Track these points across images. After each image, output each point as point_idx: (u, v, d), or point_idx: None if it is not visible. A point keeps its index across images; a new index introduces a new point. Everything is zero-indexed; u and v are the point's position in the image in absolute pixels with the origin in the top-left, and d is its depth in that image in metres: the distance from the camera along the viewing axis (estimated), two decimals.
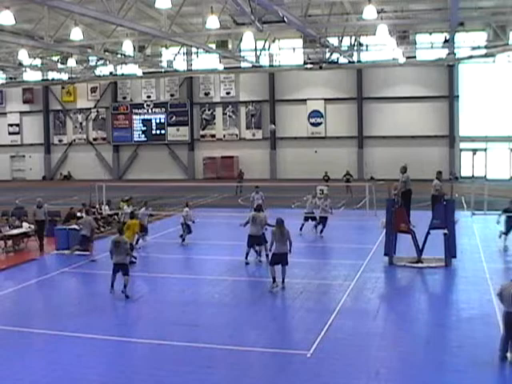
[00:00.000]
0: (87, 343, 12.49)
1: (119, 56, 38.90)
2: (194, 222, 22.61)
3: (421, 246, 18.59)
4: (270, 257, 16.85)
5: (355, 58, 42.99)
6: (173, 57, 42.65)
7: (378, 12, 24.94)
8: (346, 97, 50.05)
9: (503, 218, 20.70)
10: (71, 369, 11.16)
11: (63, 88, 55.72)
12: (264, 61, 44.43)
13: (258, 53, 40.94)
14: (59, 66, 41.85)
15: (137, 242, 21.21)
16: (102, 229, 25.61)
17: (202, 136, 54.33)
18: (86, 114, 57.19)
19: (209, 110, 53.95)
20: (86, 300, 16.08)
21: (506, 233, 20.72)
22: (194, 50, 43.88)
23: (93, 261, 19.96)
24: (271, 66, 46.99)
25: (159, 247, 22.42)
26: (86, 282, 18.32)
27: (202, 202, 35.04)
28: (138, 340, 12.63)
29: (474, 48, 40.21)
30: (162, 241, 23.54)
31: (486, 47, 39.08)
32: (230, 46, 37.85)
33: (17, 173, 59.45)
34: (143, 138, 55.53)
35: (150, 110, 55.08)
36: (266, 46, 41.30)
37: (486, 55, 39.79)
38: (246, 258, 18.98)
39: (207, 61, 45.09)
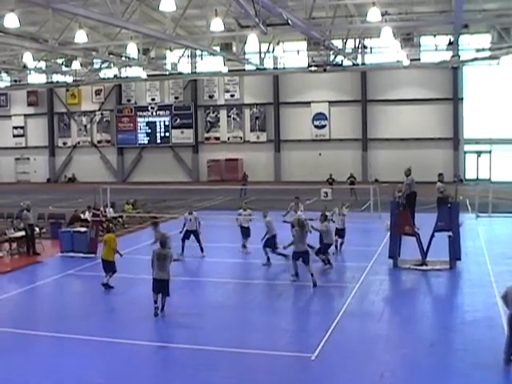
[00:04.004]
0: (91, 346, 12.49)
1: (124, 58, 38.92)
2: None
3: (425, 249, 18.56)
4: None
5: (359, 61, 43.01)
6: (177, 59, 42.69)
7: (383, 14, 24.91)
8: (351, 99, 49.98)
9: None
10: (75, 371, 11.16)
11: (68, 90, 55.72)
12: (268, 63, 44.42)
13: (263, 55, 40.91)
14: (64, 68, 41.89)
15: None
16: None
17: (207, 138, 54.33)
18: (91, 117, 57.24)
19: (213, 112, 53.96)
20: (91, 303, 16.08)
21: None
22: (198, 52, 43.98)
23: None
24: (275, 68, 47.04)
25: None
26: (91, 285, 18.21)
27: (206, 205, 35.04)
28: (142, 342, 12.62)
29: (478, 50, 40.14)
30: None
31: (490, 49, 39.05)
32: (234, 49, 37.85)
33: (21, 175, 59.53)
34: (147, 140, 55.56)
35: (154, 113, 55.10)
36: (271, 49, 41.27)
37: (490, 57, 39.74)
38: None
39: (211, 63, 45.11)
